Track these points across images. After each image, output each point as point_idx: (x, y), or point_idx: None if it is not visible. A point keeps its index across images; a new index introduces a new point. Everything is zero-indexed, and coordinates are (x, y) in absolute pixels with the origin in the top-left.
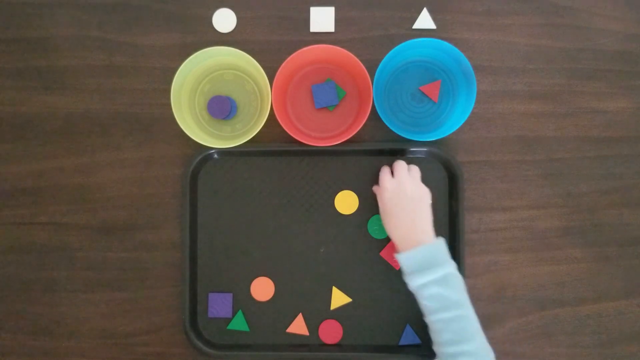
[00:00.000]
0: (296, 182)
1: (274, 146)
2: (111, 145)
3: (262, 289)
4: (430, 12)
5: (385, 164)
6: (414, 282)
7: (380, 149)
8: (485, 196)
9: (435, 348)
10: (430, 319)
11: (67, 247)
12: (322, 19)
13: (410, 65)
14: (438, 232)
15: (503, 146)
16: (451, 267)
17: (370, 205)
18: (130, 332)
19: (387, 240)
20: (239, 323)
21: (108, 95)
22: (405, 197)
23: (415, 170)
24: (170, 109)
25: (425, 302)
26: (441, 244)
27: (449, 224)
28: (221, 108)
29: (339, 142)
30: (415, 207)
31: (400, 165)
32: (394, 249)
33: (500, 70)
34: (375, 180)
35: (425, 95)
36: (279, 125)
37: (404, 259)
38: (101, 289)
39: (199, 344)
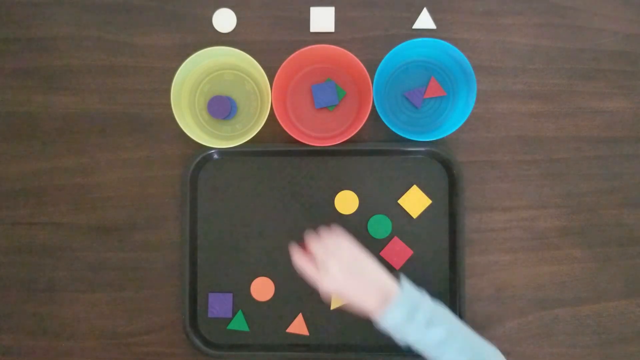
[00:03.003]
0: (296, 182)
1: (274, 146)
2: (111, 145)
3: (262, 289)
4: (430, 12)
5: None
6: (410, 338)
7: (380, 149)
8: (485, 196)
9: None
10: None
11: (67, 247)
12: (322, 19)
13: (410, 65)
14: (438, 232)
15: (503, 146)
16: (427, 301)
17: (370, 205)
18: (130, 332)
19: (387, 240)
20: (239, 323)
21: (108, 95)
22: (344, 280)
23: (330, 243)
24: (170, 109)
25: (430, 351)
26: (406, 286)
27: (449, 224)
28: (221, 108)
29: (339, 142)
30: (359, 274)
31: (317, 253)
32: (394, 250)
33: (500, 70)
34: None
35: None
36: (279, 125)
37: (386, 322)
38: (101, 289)
39: (199, 344)
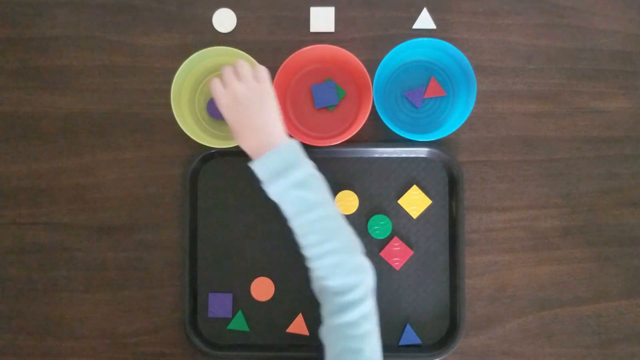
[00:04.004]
0: None
1: None
2: (111, 145)
3: (262, 289)
4: (430, 12)
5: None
6: (272, 189)
7: (380, 149)
8: (485, 196)
9: (303, 251)
10: (294, 224)
11: (67, 247)
12: (322, 19)
13: (410, 65)
14: (438, 232)
15: (503, 146)
16: (307, 167)
17: (370, 205)
18: (130, 332)
19: (387, 240)
20: (239, 323)
21: (108, 95)
22: (241, 105)
23: (245, 69)
24: (170, 109)
25: (285, 206)
26: (292, 145)
27: (449, 224)
28: None
29: (339, 142)
30: (256, 110)
31: (226, 71)
32: (394, 250)
33: (500, 70)
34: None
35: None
36: None
37: (257, 168)
38: (101, 289)
39: (199, 344)
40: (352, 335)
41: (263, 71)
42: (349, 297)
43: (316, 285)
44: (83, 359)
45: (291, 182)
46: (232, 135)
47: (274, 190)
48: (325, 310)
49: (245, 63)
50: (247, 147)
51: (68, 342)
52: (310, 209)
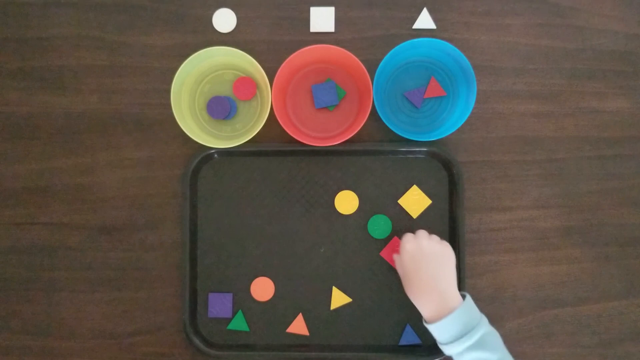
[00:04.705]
0: (296, 182)
1: (274, 146)
2: (111, 145)
3: (262, 289)
4: (430, 12)
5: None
6: (451, 352)
7: (380, 149)
8: (485, 196)
9: None
10: None
11: (67, 247)
12: (322, 19)
13: (410, 65)
14: (438, 232)
15: (503, 146)
16: (485, 326)
17: (370, 205)
18: (130, 332)
19: (387, 240)
20: (239, 323)
21: (108, 95)
22: (424, 257)
23: (435, 236)
24: (170, 109)
25: None
26: (470, 305)
27: (449, 223)
28: (221, 108)
29: (339, 142)
30: (437, 267)
31: (421, 231)
32: (394, 250)
33: (500, 70)
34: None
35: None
36: (279, 125)
37: (436, 331)
38: (101, 289)
39: (199, 344)
40: None
41: (447, 244)
42: None
43: None
44: (83, 359)
45: (471, 344)
46: (405, 284)
47: (454, 352)
48: None
49: (435, 236)
50: (418, 302)
51: (68, 342)
52: None
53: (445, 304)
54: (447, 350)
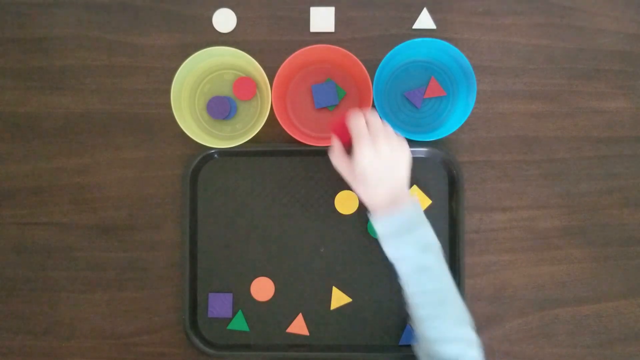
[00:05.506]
0: (296, 182)
1: (274, 146)
2: (111, 145)
3: (262, 289)
4: (430, 12)
5: (358, 114)
6: (389, 248)
7: None
8: (485, 196)
9: (411, 312)
10: (407, 285)
11: (67, 247)
12: (322, 19)
13: (410, 65)
14: (438, 232)
15: (503, 146)
16: (426, 228)
17: None
18: (130, 332)
19: None
20: (239, 323)
21: (108, 95)
22: (384, 165)
23: (389, 129)
24: (170, 109)
25: (401, 266)
26: (416, 206)
27: (449, 224)
28: (221, 108)
29: None
30: (392, 168)
31: (376, 124)
32: (344, 126)
33: (500, 70)
34: None
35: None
36: (279, 125)
37: (379, 224)
38: (101, 289)
39: (199, 344)
40: None
41: (404, 140)
42: None
43: (421, 347)
44: (83, 359)
45: (410, 242)
46: (347, 177)
47: (393, 249)
48: None
49: (388, 125)
50: (367, 199)
51: (68, 342)
52: (425, 271)
53: (395, 200)
54: (386, 246)
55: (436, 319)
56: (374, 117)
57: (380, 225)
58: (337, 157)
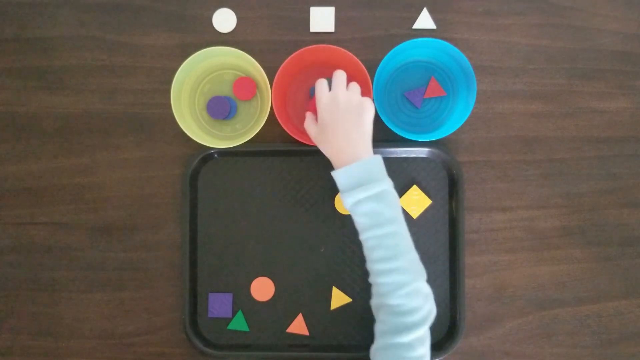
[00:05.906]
0: (296, 182)
1: (274, 146)
2: (111, 145)
3: (262, 289)
4: (430, 12)
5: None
6: (348, 200)
7: (380, 149)
8: (485, 196)
9: (369, 266)
10: (364, 237)
11: (67, 247)
12: (322, 19)
13: (410, 65)
14: (438, 231)
15: (503, 146)
16: (387, 184)
17: None
18: (130, 332)
19: None
20: (239, 323)
21: (108, 95)
22: (340, 109)
23: (355, 85)
24: (170, 109)
25: (359, 219)
26: (377, 160)
27: (449, 224)
28: (221, 108)
29: None
30: (352, 119)
31: (338, 76)
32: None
33: (500, 70)
34: None
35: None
36: (279, 125)
37: (339, 176)
38: (101, 289)
39: (199, 344)
40: (406, 357)
41: (369, 97)
42: (408, 319)
43: (375, 302)
44: (83, 359)
45: (369, 194)
46: (315, 138)
47: (351, 201)
48: (380, 328)
49: (355, 83)
50: (330, 153)
51: (68, 342)
52: (382, 224)
53: (355, 154)
54: (345, 198)
55: (392, 272)
56: (339, 72)
57: (339, 177)
58: (308, 123)
